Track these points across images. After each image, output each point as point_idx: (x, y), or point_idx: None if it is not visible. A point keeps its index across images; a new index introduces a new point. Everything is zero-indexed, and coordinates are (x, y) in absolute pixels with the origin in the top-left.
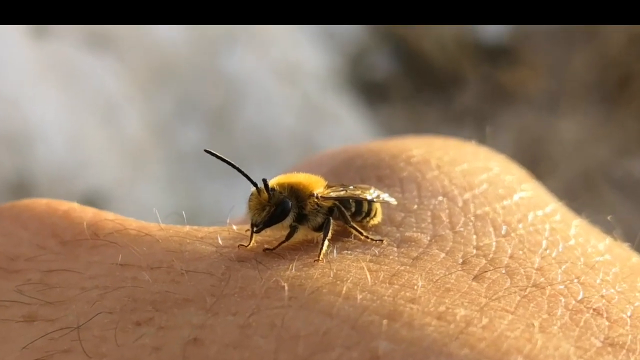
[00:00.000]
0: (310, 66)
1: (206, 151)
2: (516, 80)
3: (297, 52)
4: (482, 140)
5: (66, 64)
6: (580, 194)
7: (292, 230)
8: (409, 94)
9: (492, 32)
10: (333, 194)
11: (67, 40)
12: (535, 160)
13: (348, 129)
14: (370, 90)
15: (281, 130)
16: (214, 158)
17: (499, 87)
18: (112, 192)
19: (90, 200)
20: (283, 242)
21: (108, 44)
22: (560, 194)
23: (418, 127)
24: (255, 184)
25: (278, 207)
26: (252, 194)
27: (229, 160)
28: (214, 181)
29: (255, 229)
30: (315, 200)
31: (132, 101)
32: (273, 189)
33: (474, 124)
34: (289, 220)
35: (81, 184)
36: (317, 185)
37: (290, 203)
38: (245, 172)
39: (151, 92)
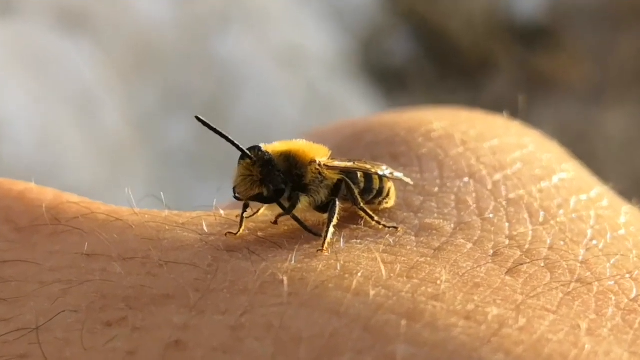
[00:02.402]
0: (316, 50)
1: (197, 118)
2: (555, 66)
3: (301, 34)
4: None
5: (35, 47)
6: (630, 198)
7: (293, 200)
8: (431, 82)
9: (528, 11)
10: (338, 164)
11: (36, 20)
12: (577, 159)
13: None
14: (386, 78)
15: (283, 124)
16: (204, 156)
17: (535, 74)
18: (89, 196)
19: None
20: (284, 214)
21: (83, 25)
22: None
23: None
24: (249, 156)
25: (264, 169)
26: (241, 165)
27: (217, 128)
28: (205, 182)
29: (235, 195)
30: (317, 167)
31: (112, 91)
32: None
33: (507, 117)
34: (286, 193)
35: (54, 185)
36: (320, 153)
37: (281, 175)
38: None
39: (133, 80)
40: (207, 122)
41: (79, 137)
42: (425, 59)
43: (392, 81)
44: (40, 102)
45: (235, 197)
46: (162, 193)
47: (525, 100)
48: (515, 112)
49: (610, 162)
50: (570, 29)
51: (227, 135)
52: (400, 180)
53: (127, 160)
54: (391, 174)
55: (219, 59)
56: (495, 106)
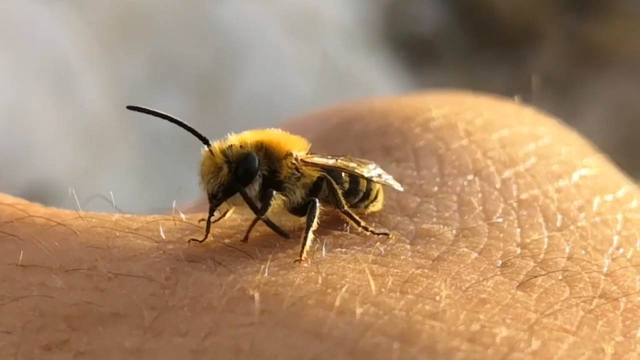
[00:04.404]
0: (333, 16)
1: (129, 107)
2: (610, 36)
3: None
4: (567, 118)
5: (5, 14)
6: None
7: (267, 197)
8: (465, 55)
9: None
10: (318, 160)
11: None
12: (634, 144)
13: None
14: (412, 49)
15: (293, 101)
16: (199, 140)
17: (587, 46)
18: (66, 186)
19: (37, 195)
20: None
21: None
22: None
23: None
24: (206, 141)
25: (240, 165)
26: (203, 156)
27: (159, 111)
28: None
29: (214, 201)
30: (294, 162)
31: (92, 63)
32: (231, 146)
33: (553, 96)
34: (256, 188)
35: (24, 174)
36: (298, 146)
37: (257, 159)
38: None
39: (117, 50)
40: (144, 107)
41: (54, 116)
42: (459, 27)
43: (419, 53)
44: (8, 75)
45: (213, 203)
46: (112, 194)
47: (574, 78)
48: (562, 91)
49: None
50: None
51: (179, 120)
52: (389, 185)
53: (110, 143)
54: (379, 176)
55: (218, 25)
56: (539, 83)
